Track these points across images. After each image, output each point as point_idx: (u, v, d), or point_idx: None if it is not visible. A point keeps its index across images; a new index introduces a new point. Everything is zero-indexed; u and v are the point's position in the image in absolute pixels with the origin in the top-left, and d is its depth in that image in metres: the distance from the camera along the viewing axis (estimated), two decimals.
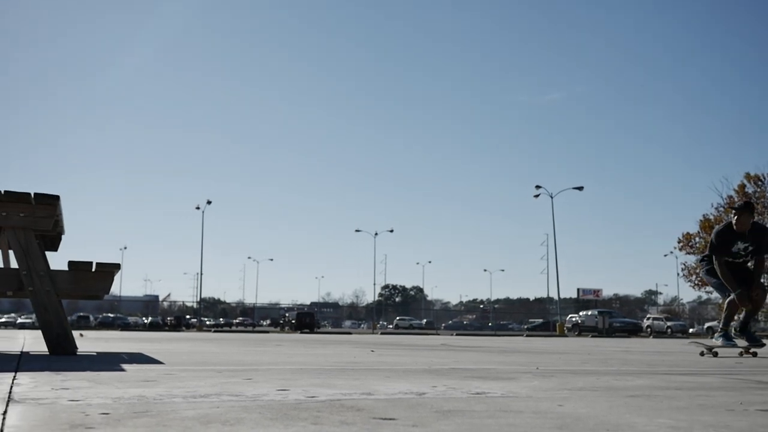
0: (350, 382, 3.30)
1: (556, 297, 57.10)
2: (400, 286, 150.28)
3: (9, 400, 2.31)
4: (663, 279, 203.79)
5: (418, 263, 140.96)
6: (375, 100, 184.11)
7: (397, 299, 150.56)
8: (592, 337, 35.69)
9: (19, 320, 59.29)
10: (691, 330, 58.78)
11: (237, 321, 76.44)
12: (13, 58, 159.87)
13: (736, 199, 40.24)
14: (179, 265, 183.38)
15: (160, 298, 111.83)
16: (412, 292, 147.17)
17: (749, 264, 7.95)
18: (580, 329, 47.98)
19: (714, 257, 7.83)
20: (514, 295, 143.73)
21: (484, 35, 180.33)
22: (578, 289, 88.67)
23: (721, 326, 7.99)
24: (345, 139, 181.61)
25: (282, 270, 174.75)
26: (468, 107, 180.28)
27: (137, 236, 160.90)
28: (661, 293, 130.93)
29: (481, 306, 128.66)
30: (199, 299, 68.93)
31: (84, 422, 1.87)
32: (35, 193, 5.22)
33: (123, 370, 3.85)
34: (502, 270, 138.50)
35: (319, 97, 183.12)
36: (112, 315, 62.41)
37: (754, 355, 7.52)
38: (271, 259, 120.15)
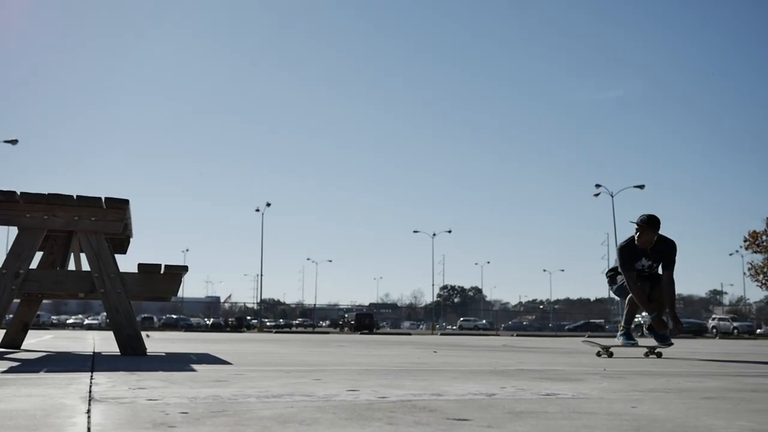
0: (418, 383, 3.31)
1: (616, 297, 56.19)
2: (459, 286, 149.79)
3: (90, 399, 2.38)
4: (728, 278, 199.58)
5: (476, 264, 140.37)
6: (433, 101, 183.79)
7: (455, 300, 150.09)
8: None
9: (86, 321, 60.72)
10: (758, 330, 57.33)
11: (297, 322, 77.13)
12: (71, 65, 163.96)
13: None
14: (240, 266, 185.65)
15: (222, 300, 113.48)
16: (470, 293, 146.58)
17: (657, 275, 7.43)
18: (642, 330, 47.19)
19: (623, 274, 7.31)
20: (574, 296, 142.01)
21: (541, 34, 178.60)
22: None
23: (622, 324, 7.56)
24: (403, 140, 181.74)
25: (341, 271, 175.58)
26: (526, 107, 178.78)
27: (199, 239, 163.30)
28: (726, 293, 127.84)
29: (541, 306, 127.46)
30: (259, 300, 69.79)
31: (165, 421, 1.91)
32: (106, 198, 5.35)
33: (194, 370, 3.92)
34: (562, 270, 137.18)
35: (378, 98, 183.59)
36: (175, 316, 63.45)
37: (659, 355, 6.99)
38: (330, 261, 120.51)
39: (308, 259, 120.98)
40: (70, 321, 61.90)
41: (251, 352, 7.12)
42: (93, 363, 4.39)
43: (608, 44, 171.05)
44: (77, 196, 5.29)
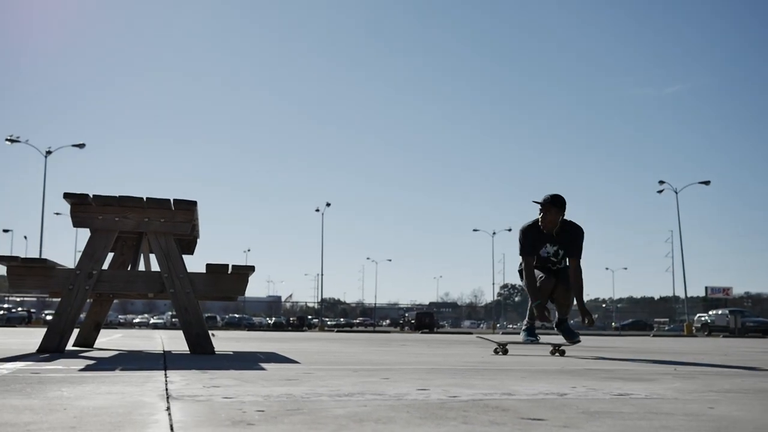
0: (487, 382, 3.30)
1: (682, 296, 55.16)
2: (520, 285, 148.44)
3: (168, 396, 2.43)
4: None
5: None
6: (491, 102, 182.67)
7: (516, 299, 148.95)
8: (724, 337, 34.25)
9: (152, 321, 61.96)
10: None
11: (357, 321, 77.45)
12: (136, 71, 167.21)
13: None
14: (300, 266, 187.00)
15: (283, 299, 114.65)
16: None
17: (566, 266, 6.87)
18: (709, 329, 46.11)
19: (522, 258, 6.81)
20: (637, 294, 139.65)
21: (602, 30, 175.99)
22: (706, 288, 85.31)
23: (526, 320, 7.06)
24: (463, 139, 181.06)
25: (400, 270, 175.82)
26: (586, 103, 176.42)
27: (260, 239, 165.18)
28: None
29: (604, 305, 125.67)
30: (320, 300, 70.28)
31: (243, 419, 1.95)
32: (174, 200, 5.46)
33: (264, 369, 3.98)
34: (625, 268, 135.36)
35: (438, 99, 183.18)
36: (237, 315, 64.41)
37: (562, 353, 6.53)
38: (390, 260, 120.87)
39: (368, 258, 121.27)
40: (136, 320, 63.23)
41: (316, 351, 7.18)
42: (165, 361, 4.48)
43: (671, 39, 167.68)
44: (147, 198, 5.40)
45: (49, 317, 47.41)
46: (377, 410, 2.17)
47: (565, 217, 6.66)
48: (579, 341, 6.85)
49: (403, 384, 3.10)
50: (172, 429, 1.77)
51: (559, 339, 7.10)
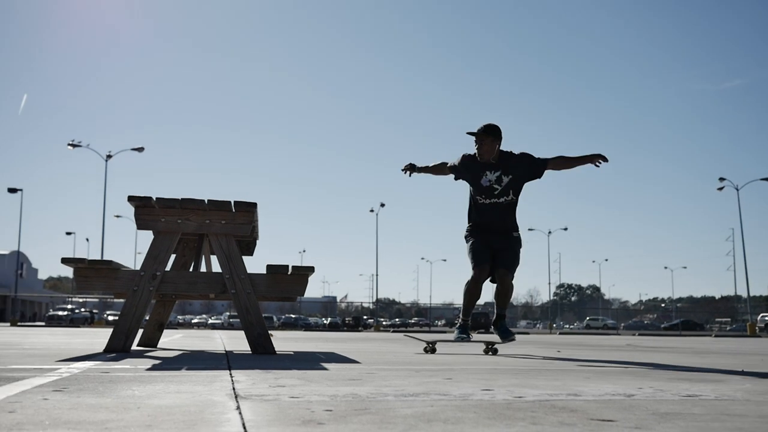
0: (551, 382, 3.28)
1: (744, 295, 53.90)
2: (576, 285, 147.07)
3: (236, 396, 2.47)
4: None
5: (593, 261, 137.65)
6: (546, 99, 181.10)
7: (572, 298, 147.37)
8: None
9: (210, 321, 62.81)
10: None
11: (413, 321, 77.44)
12: (191, 75, 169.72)
13: None
14: (355, 266, 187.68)
15: (338, 299, 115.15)
16: (588, 291, 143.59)
17: (513, 202, 6.28)
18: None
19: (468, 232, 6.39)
20: (697, 293, 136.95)
21: (659, 25, 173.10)
22: None
23: (460, 316, 6.64)
24: (516, 138, 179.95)
25: (455, 270, 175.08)
26: (644, 99, 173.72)
27: (315, 239, 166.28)
28: None
29: (663, 305, 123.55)
30: (375, 300, 70.43)
31: (312, 418, 1.97)
32: (235, 201, 5.53)
33: (326, 369, 4.01)
34: (684, 267, 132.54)
35: (489, 98, 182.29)
36: (293, 316, 64.89)
37: (495, 352, 6.27)
38: (445, 260, 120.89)
39: (422, 258, 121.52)
40: (194, 321, 64.22)
41: (374, 351, 7.20)
42: (228, 361, 4.55)
43: (728, 33, 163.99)
44: (208, 200, 5.49)
45: (110, 318, 48.44)
46: (444, 410, 2.17)
47: (507, 150, 6.31)
48: (513, 340, 6.58)
49: (466, 384, 3.09)
50: (244, 428, 1.80)
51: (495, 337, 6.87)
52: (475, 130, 6.19)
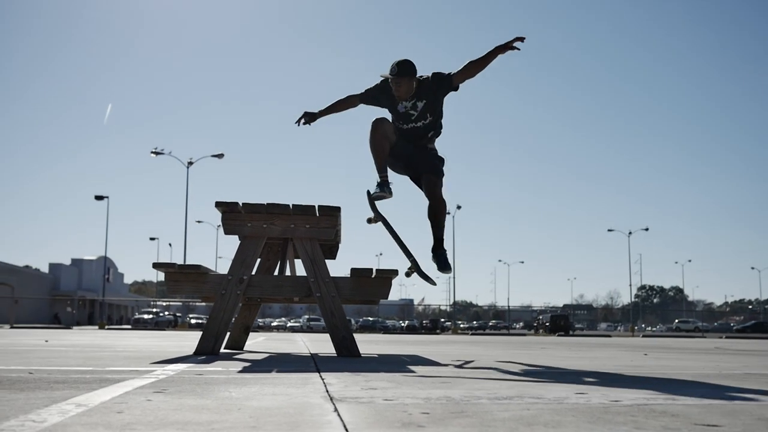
0: (644, 386, 3.21)
1: None
2: (658, 286, 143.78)
3: (331, 398, 2.50)
4: None
5: (676, 262, 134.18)
6: (627, 99, 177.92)
7: (654, 300, 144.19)
8: None
9: (289, 324, 63.56)
10: None
11: (490, 324, 76.92)
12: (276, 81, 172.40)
13: None
14: (432, 269, 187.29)
15: (415, 302, 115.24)
16: (670, 293, 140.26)
17: (431, 122, 5.84)
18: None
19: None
20: None
21: (744, 20, 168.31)
22: None
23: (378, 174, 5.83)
24: (597, 138, 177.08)
25: (533, 272, 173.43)
26: (723, 94, 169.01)
27: (392, 242, 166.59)
28: None
29: (750, 306, 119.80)
30: (452, 303, 70.22)
31: (411, 420, 1.98)
32: (319, 206, 5.59)
33: (413, 372, 4.02)
34: None
35: (569, 97, 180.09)
36: (371, 318, 65.14)
37: (433, 283, 5.96)
38: (522, 262, 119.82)
39: (500, 260, 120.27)
40: (274, 323, 65.01)
41: (457, 353, 7.19)
42: (316, 364, 4.60)
43: None
44: (293, 205, 5.56)
45: (193, 321, 49.51)
46: (542, 414, 2.16)
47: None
48: (449, 272, 5.95)
49: (557, 387, 3.06)
50: (346, 429, 1.82)
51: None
52: (389, 72, 5.76)
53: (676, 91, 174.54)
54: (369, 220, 5.89)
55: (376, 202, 5.83)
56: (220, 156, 47.36)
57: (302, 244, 5.60)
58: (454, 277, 64.11)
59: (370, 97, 5.98)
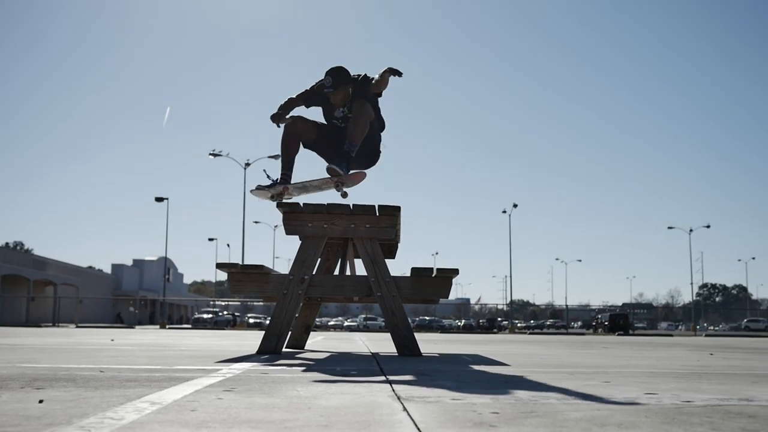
0: (716, 386, 3.15)
1: None
2: (720, 285, 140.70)
3: (398, 397, 2.50)
4: None
5: (739, 260, 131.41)
6: (685, 97, 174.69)
7: (716, 299, 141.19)
8: None
9: (346, 323, 63.86)
10: None
11: (548, 323, 76.16)
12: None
13: None
14: (488, 268, 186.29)
15: (472, 302, 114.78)
16: (733, 291, 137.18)
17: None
18: None
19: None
20: None
21: None
22: None
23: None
24: (655, 135, 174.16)
25: (591, 270, 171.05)
26: None
27: (447, 241, 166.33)
28: None
29: None
30: (509, 301, 69.74)
31: (482, 420, 1.97)
32: (379, 206, 5.60)
33: (476, 371, 4.00)
34: None
35: (617, 95, 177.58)
36: (427, 318, 65.10)
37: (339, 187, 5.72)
38: (580, 260, 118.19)
39: (557, 259, 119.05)
40: (331, 323, 65.42)
41: (518, 353, 7.14)
42: (378, 363, 4.61)
43: None
44: (353, 205, 5.58)
45: (252, 320, 50.04)
46: (613, 414, 2.13)
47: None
48: (340, 176, 5.55)
49: (626, 388, 3.01)
50: (418, 429, 1.82)
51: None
52: (324, 80, 5.75)
53: (739, 86, 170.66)
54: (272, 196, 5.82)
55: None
56: (276, 157, 47.75)
57: (363, 243, 5.62)
58: (510, 276, 63.63)
59: (309, 100, 5.97)
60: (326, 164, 5.62)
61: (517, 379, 3.46)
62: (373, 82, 5.65)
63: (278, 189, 5.78)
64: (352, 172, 5.62)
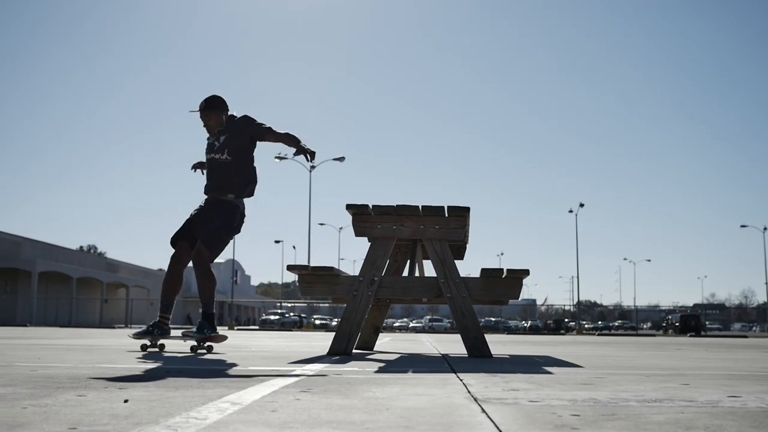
0: None
1: None
2: None
3: (475, 399, 2.49)
4: None
5: None
6: (758, 92, 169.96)
7: None
8: None
9: (411, 324, 63.94)
10: None
11: (616, 324, 74.97)
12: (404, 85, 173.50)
13: None
14: (554, 268, 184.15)
15: (538, 303, 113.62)
16: None
17: (228, 162, 5.87)
18: None
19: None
20: None
21: None
22: None
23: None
24: (726, 132, 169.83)
25: (660, 271, 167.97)
26: None
27: (513, 242, 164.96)
28: None
29: None
30: (576, 302, 68.83)
31: (563, 423, 1.95)
32: (448, 206, 5.60)
33: (550, 372, 3.96)
34: None
35: (679, 92, 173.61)
36: (493, 319, 64.74)
37: (209, 350, 5.84)
38: (649, 260, 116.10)
39: (625, 259, 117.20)
40: (396, 324, 65.57)
41: (588, 354, 7.04)
42: (449, 364, 4.60)
43: None
44: (422, 206, 5.58)
45: (318, 321, 50.45)
46: (698, 417, 2.08)
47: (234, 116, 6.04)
48: (205, 338, 5.69)
49: (707, 390, 2.95)
50: (499, 431, 1.81)
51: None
52: (197, 108, 6.03)
53: None
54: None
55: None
56: (341, 159, 48.09)
57: (432, 244, 5.62)
58: (577, 277, 62.86)
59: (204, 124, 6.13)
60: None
61: (593, 380, 3.41)
62: (274, 131, 5.94)
63: (156, 338, 5.91)
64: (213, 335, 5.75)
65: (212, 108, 5.98)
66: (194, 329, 5.75)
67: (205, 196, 6.02)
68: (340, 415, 2.04)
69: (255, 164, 6.06)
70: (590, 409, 2.23)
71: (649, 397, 2.64)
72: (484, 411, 2.17)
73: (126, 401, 2.31)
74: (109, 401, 2.32)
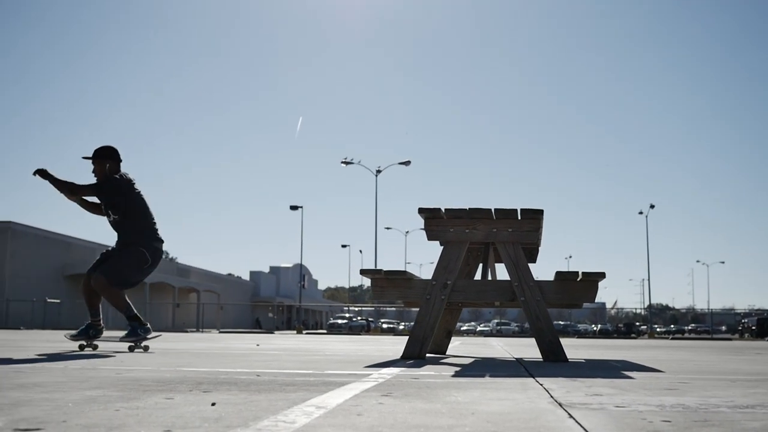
0: None
1: None
2: None
3: (560, 404, 2.46)
4: None
5: None
6: None
7: None
8: None
9: (479, 328, 63.58)
10: None
11: (689, 328, 73.23)
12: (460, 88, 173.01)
13: None
14: (625, 271, 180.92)
15: (607, 306, 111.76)
16: None
17: (117, 221, 6.53)
18: None
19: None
20: None
21: None
22: None
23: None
24: None
25: (735, 272, 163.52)
26: None
27: (581, 244, 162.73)
28: None
29: None
30: (647, 305, 67.49)
31: (655, 429, 1.91)
32: (521, 209, 5.55)
33: (631, 377, 3.89)
34: None
35: (753, 91, 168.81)
36: (562, 322, 63.90)
37: (146, 349, 6.62)
38: (723, 262, 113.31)
39: (698, 261, 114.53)
40: (463, 328, 65.30)
41: (666, 359, 6.90)
42: (526, 369, 4.56)
43: None
44: (495, 209, 5.55)
45: (385, 325, 50.54)
46: None
47: (122, 173, 6.55)
48: (134, 340, 6.50)
49: None
50: None
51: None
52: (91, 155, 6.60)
53: None
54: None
55: None
56: (407, 163, 48.17)
57: (505, 248, 5.58)
58: (648, 279, 61.67)
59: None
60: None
61: (677, 385, 3.34)
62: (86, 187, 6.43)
63: (88, 340, 6.62)
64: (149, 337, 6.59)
65: (98, 157, 6.55)
66: (125, 333, 6.48)
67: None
68: (425, 420, 2.04)
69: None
70: (680, 415, 2.18)
71: (740, 402, 2.57)
72: (571, 416, 2.14)
73: (213, 404, 2.35)
74: (197, 404, 2.36)
